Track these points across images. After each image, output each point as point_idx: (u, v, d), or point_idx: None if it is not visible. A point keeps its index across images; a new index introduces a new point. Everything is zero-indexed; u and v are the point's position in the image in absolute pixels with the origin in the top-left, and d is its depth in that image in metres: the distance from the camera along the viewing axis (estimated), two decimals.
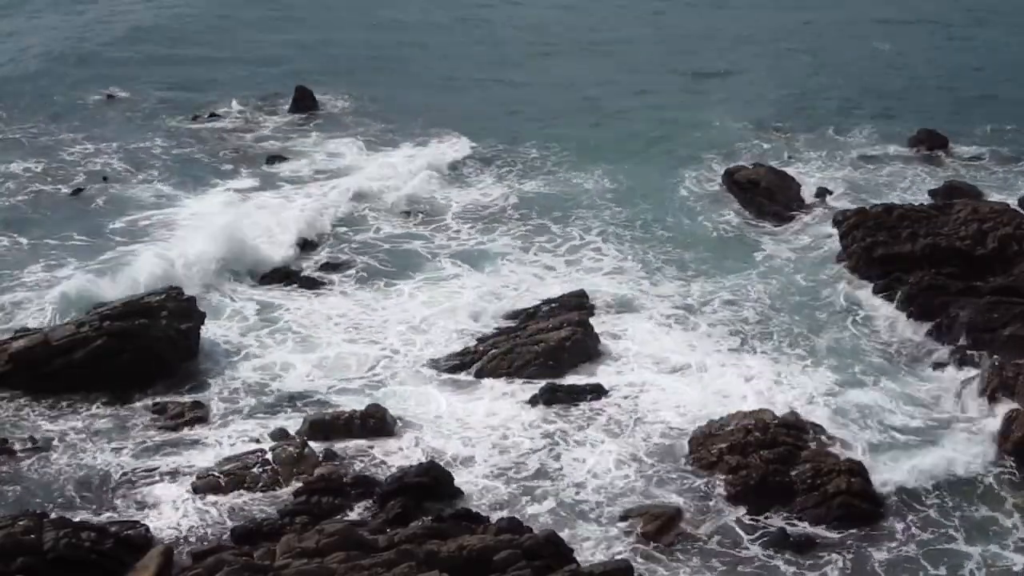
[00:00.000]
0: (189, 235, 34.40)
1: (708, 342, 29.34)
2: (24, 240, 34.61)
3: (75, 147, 43.00)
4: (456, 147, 43.79)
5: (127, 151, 42.51)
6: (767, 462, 23.50)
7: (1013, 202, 36.37)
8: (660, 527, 22.02)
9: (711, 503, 23.09)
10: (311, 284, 32.66)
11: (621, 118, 48.08)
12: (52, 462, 24.10)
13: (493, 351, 28.40)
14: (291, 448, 24.30)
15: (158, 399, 26.55)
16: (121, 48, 57.84)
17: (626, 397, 26.78)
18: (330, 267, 33.86)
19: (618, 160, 42.25)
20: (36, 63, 54.59)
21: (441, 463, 23.68)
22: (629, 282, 32.81)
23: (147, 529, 21.51)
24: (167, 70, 53.94)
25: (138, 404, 26.37)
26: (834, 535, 22.14)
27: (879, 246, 32.67)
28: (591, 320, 29.77)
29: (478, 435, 25.32)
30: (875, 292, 31.73)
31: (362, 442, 24.91)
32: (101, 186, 39.37)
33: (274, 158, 42.40)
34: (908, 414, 26.19)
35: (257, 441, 25.01)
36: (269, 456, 24.10)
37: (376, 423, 25.33)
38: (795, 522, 22.45)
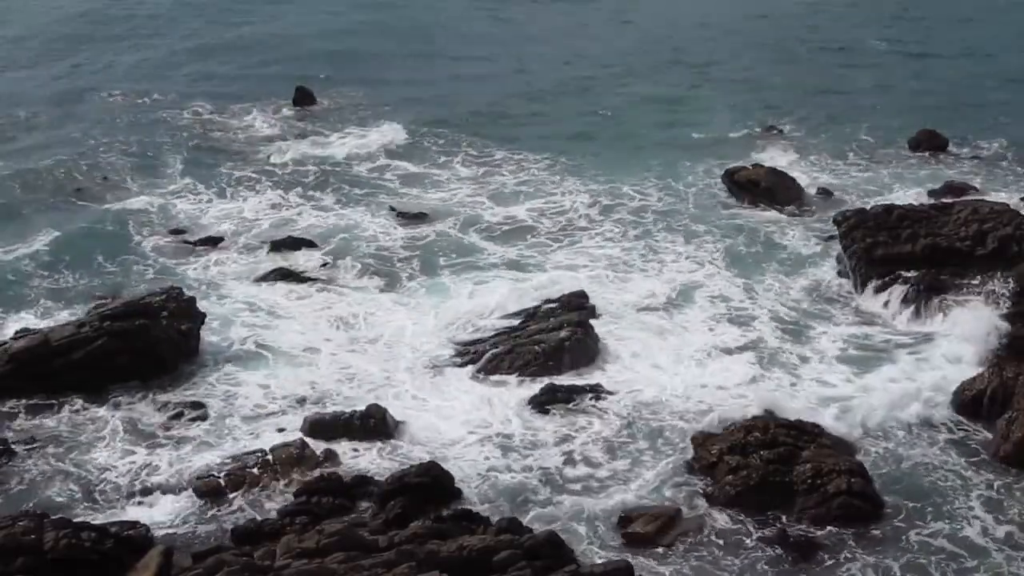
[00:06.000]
0: None
1: (709, 343, 29.30)
2: (22, 239, 34.58)
3: (75, 146, 42.98)
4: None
5: (128, 151, 42.46)
6: (767, 462, 23.49)
7: (1013, 202, 36.35)
8: (660, 527, 22.02)
9: (711, 504, 23.06)
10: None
11: (618, 118, 48.04)
12: (52, 462, 24.11)
13: (493, 351, 28.42)
14: (291, 448, 24.32)
15: (158, 399, 26.56)
16: (123, 48, 57.90)
17: (626, 397, 26.74)
18: None
19: (616, 161, 42.19)
20: (34, 65, 54.67)
21: (441, 463, 23.67)
22: (629, 282, 32.79)
23: (147, 529, 21.52)
24: (168, 70, 53.95)
25: (138, 404, 26.39)
26: (834, 535, 22.12)
27: (879, 246, 32.63)
28: (591, 319, 29.77)
29: (478, 435, 25.32)
30: (875, 292, 31.71)
31: (362, 442, 24.96)
32: (100, 185, 39.37)
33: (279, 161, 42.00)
34: (909, 415, 26.15)
35: (257, 441, 25.03)
36: (269, 456, 24.12)
37: (376, 423, 25.33)
38: (795, 522, 22.44)
